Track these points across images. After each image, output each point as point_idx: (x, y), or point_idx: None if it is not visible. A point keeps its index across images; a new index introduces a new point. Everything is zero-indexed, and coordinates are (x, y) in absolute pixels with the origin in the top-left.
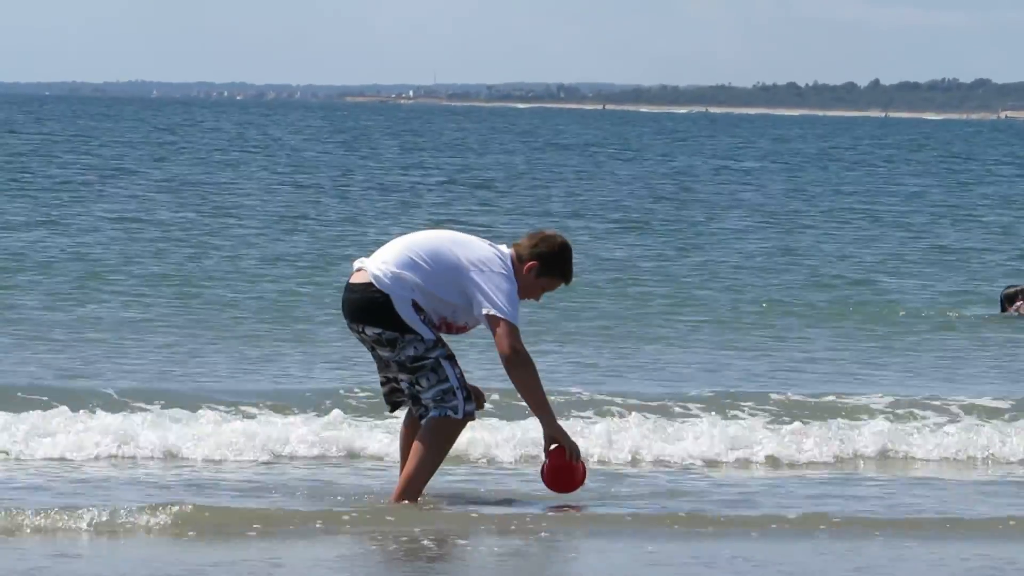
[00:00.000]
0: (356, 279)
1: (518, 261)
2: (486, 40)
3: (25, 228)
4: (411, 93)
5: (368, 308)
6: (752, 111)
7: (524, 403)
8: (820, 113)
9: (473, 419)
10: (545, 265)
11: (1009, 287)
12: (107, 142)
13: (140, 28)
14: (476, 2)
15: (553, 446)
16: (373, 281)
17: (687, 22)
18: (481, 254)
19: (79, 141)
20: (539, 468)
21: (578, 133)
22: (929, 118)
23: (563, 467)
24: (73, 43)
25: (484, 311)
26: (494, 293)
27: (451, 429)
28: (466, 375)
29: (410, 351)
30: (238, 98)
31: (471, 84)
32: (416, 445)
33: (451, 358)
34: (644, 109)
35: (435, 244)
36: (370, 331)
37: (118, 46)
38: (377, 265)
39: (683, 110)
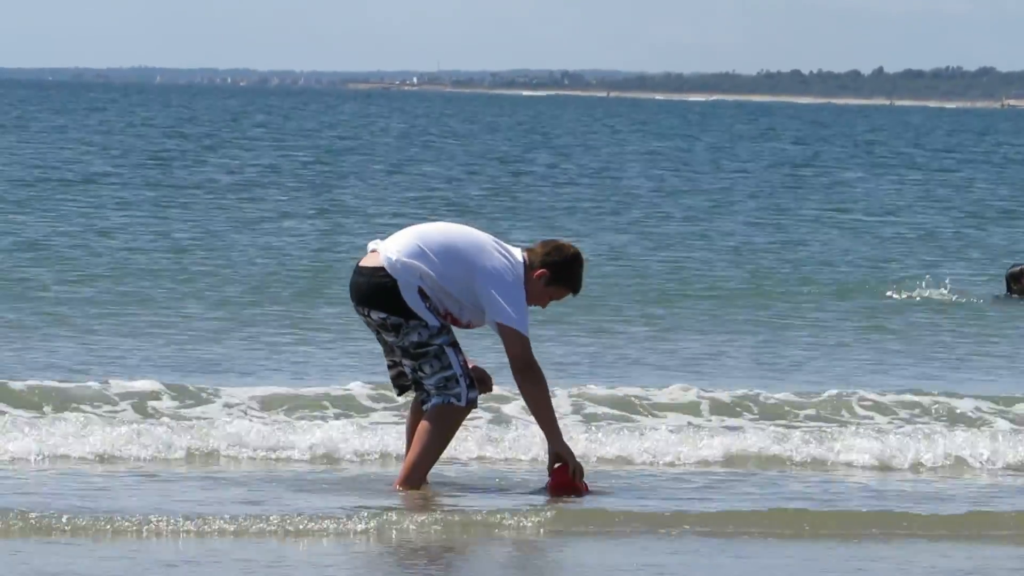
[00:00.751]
0: (366, 262)
1: (529, 267)
2: (489, 27)
3: None
4: (415, 80)
5: (374, 292)
6: (757, 99)
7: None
8: (824, 101)
9: (476, 406)
10: (555, 274)
11: (1015, 266)
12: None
13: (143, 14)
14: None
15: (557, 464)
16: (384, 265)
17: (691, 9)
18: (493, 259)
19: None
20: (544, 486)
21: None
22: (933, 106)
23: (566, 486)
24: (76, 29)
25: (495, 320)
26: (505, 302)
27: (454, 416)
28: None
29: (414, 337)
30: (241, 84)
31: (474, 71)
32: (419, 432)
33: (455, 345)
34: (656, 96)
35: (447, 240)
36: (375, 315)
37: (121, 32)
38: (391, 251)
39: (701, 98)
